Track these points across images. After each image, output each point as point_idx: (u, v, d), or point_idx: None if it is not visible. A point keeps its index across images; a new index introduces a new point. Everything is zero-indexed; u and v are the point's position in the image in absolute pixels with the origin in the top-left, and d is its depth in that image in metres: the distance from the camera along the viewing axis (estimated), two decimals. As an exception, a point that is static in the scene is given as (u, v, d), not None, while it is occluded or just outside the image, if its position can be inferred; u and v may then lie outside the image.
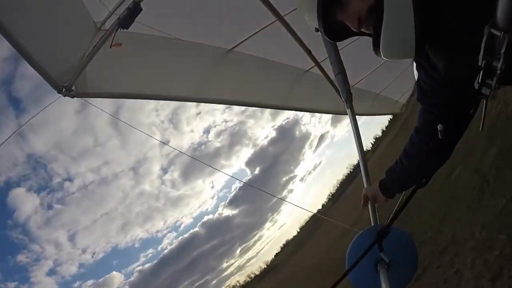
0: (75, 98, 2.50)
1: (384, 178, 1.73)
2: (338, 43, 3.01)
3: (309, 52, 3.34)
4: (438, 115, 1.40)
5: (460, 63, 1.18)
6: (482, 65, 0.97)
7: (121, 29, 2.19)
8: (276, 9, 2.76)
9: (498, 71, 0.95)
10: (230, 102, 3.85)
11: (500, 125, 5.19)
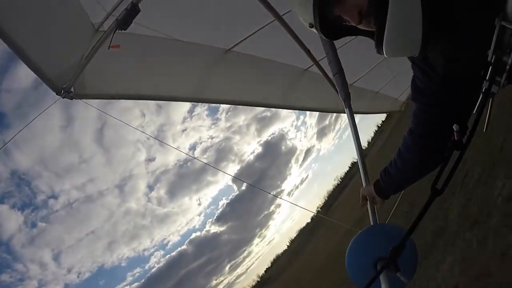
0: (73, 99, 2.50)
1: (378, 179, 1.69)
2: (336, 42, 3.01)
3: (307, 51, 3.34)
4: (434, 115, 1.33)
5: (463, 60, 1.12)
6: (492, 60, 0.92)
7: (120, 30, 2.19)
8: (275, 8, 2.76)
9: (508, 67, 0.90)
10: (229, 102, 3.85)
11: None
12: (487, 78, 0.93)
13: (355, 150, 2.47)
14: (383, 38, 1.00)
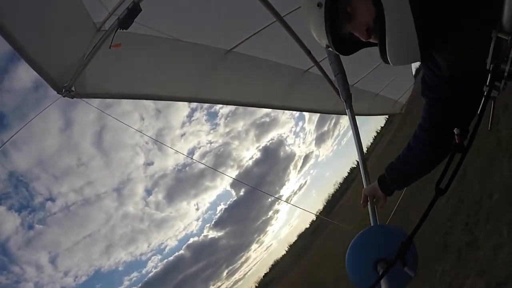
0: (74, 98, 2.50)
1: (383, 174, 1.70)
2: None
3: (308, 52, 3.34)
4: (442, 109, 1.40)
5: (464, 65, 1.19)
6: (491, 69, 0.97)
7: (121, 30, 2.20)
8: (276, 9, 2.76)
9: (506, 74, 0.95)
10: (230, 103, 3.86)
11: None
12: (487, 84, 0.98)
13: (356, 151, 2.46)
14: (386, 51, 1.12)
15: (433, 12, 1.09)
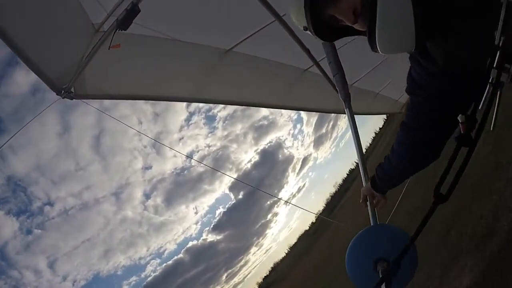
0: (74, 99, 2.50)
1: (374, 174, 1.70)
2: (336, 42, 3.01)
3: (307, 52, 3.34)
4: (428, 107, 1.29)
5: (466, 50, 1.05)
6: (500, 44, 0.81)
7: (120, 31, 2.19)
8: (275, 9, 2.76)
9: None
10: (229, 102, 3.86)
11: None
12: (494, 65, 0.82)
13: (355, 150, 2.47)
14: (375, 36, 0.98)
15: None
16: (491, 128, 1.16)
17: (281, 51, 3.64)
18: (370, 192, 1.79)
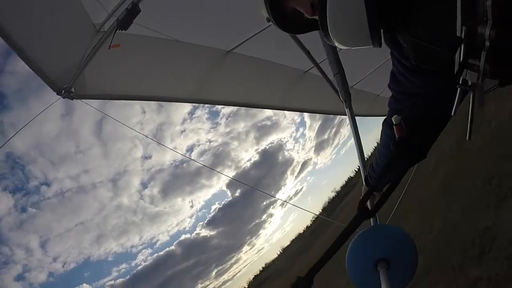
0: (74, 99, 2.51)
1: (366, 173, 1.72)
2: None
3: (308, 53, 3.35)
4: (407, 105, 1.23)
5: (434, 42, 0.94)
6: (463, 35, 0.70)
7: (120, 31, 2.20)
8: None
9: (487, 42, 0.67)
10: (230, 103, 3.86)
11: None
12: (459, 61, 0.73)
13: (355, 150, 2.47)
14: (327, 29, 0.93)
15: None
16: (468, 137, 1.08)
17: (281, 53, 3.64)
18: (367, 190, 1.79)
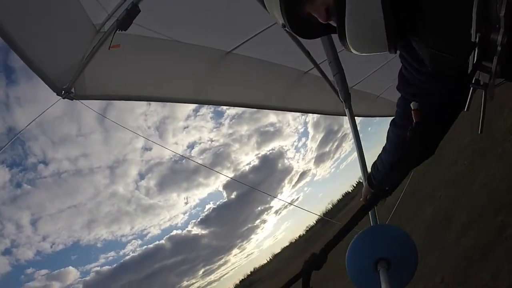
0: (74, 100, 2.51)
1: (369, 173, 1.70)
2: (337, 45, 3.01)
3: (308, 54, 3.35)
4: (422, 105, 1.21)
5: (448, 51, 0.99)
6: (477, 40, 0.76)
7: (120, 31, 2.20)
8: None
9: (499, 47, 0.73)
10: (229, 104, 3.86)
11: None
12: (473, 62, 0.77)
13: (355, 150, 2.47)
14: (345, 35, 0.95)
15: None
16: (480, 131, 1.12)
17: (281, 53, 3.65)
18: (369, 191, 1.79)
